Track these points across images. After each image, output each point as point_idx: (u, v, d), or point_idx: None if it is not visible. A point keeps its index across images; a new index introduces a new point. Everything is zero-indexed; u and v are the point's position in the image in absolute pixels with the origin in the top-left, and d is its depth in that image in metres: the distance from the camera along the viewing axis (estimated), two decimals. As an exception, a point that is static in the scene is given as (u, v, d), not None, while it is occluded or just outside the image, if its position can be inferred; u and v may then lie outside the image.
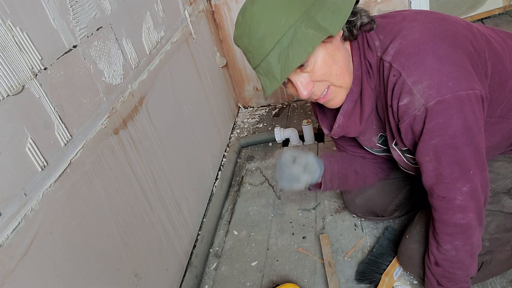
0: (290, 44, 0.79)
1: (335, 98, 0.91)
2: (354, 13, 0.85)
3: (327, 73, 0.85)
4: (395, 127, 0.91)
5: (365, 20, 0.86)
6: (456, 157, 0.84)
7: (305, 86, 0.86)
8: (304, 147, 1.92)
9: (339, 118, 0.98)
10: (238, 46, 0.88)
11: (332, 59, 0.85)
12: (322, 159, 1.10)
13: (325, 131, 1.10)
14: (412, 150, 0.92)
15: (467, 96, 0.79)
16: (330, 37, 0.83)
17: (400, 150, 0.98)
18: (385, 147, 1.08)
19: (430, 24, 0.84)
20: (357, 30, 0.87)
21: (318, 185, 1.13)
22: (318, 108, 1.12)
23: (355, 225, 1.42)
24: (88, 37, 1.04)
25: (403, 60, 0.82)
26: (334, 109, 0.98)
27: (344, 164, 1.17)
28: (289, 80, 0.88)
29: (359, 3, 0.88)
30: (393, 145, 0.98)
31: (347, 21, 0.85)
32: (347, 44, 0.91)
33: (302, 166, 1.01)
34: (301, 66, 0.84)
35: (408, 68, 0.81)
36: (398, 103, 0.85)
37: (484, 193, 0.89)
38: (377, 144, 1.08)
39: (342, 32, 0.86)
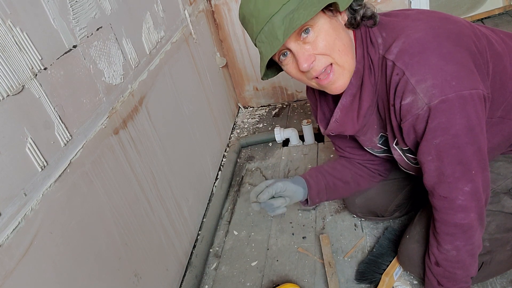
0: (296, 8, 0.79)
1: (338, 80, 0.88)
2: (360, 3, 0.86)
3: (330, 45, 0.84)
4: (396, 126, 0.91)
5: (369, 12, 0.87)
6: (458, 156, 0.84)
7: (306, 58, 0.83)
8: (303, 147, 1.92)
9: (337, 112, 0.98)
10: (242, 15, 0.86)
11: (336, 34, 0.84)
12: (304, 178, 1.14)
13: (322, 129, 1.10)
14: (414, 150, 0.92)
15: (470, 96, 0.79)
16: (336, 13, 0.84)
17: (401, 149, 0.98)
18: (385, 148, 1.07)
19: (433, 23, 0.84)
20: (360, 18, 0.87)
21: (306, 201, 1.16)
22: (317, 108, 1.12)
23: (355, 225, 1.42)
24: (88, 37, 1.04)
25: (406, 59, 0.82)
26: (333, 108, 0.98)
27: (333, 177, 1.19)
28: (290, 52, 0.86)
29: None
30: (394, 145, 0.98)
31: (351, 9, 0.86)
32: (351, 33, 0.91)
33: (270, 195, 1.03)
34: (304, 36, 0.82)
35: (412, 67, 0.81)
36: (401, 102, 0.84)
37: (485, 193, 0.89)
38: (378, 145, 1.08)
39: (346, 18, 0.87)
